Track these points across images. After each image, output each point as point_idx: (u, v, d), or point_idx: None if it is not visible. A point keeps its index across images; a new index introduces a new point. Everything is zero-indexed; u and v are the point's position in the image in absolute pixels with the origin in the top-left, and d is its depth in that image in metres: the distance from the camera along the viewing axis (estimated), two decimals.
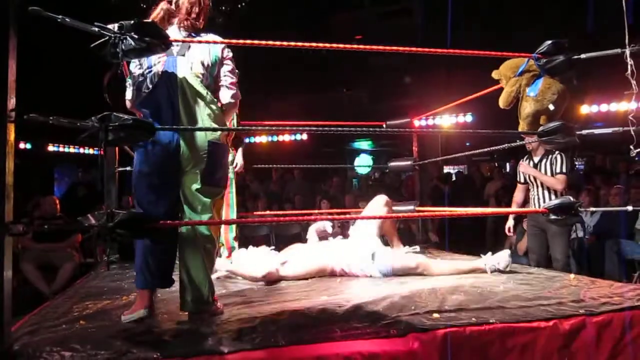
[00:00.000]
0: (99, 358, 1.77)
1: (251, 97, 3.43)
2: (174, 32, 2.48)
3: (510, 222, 5.10)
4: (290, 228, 6.73)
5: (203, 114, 2.45)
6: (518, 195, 5.16)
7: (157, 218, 2.28)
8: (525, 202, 4.73)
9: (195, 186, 2.45)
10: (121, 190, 5.68)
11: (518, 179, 5.16)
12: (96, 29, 2.00)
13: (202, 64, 2.49)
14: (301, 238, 7.32)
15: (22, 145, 9.97)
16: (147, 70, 2.45)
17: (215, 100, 2.52)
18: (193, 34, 2.54)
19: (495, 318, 2.19)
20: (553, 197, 4.23)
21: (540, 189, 4.64)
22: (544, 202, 4.40)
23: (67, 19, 1.94)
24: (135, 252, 2.49)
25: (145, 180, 2.43)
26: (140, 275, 2.45)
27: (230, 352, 1.84)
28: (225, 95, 2.55)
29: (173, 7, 2.56)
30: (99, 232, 1.90)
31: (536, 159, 5.15)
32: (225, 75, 2.57)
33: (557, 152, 4.96)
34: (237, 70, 2.62)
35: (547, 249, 4.42)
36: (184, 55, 2.49)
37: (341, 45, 2.53)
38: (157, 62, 2.44)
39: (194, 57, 2.49)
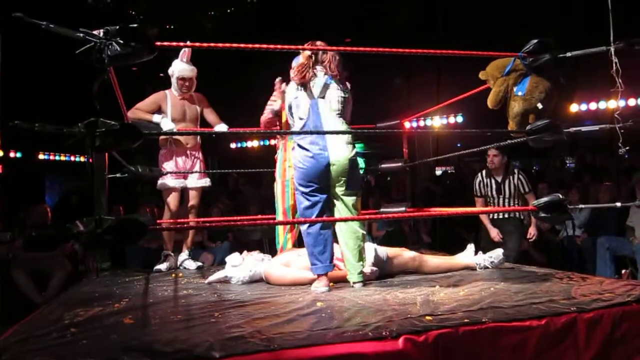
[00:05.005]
0: None
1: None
2: (320, 76, 3.21)
3: (494, 232, 5.18)
4: None
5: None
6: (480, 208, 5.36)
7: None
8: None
9: (342, 191, 3.25)
10: (112, 199, 5.64)
11: (475, 193, 5.32)
12: (81, 34, 1.99)
13: (338, 101, 3.25)
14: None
15: (12, 155, 9.89)
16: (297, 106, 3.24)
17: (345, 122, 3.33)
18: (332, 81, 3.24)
19: (487, 317, 2.20)
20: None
21: (502, 203, 4.99)
22: (507, 214, 5.15)
23: (51, 25, 1.93)
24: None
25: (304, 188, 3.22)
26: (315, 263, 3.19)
27: (222, 357, 1.83)
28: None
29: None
30: (88, 239, 1.88)
31: (498, 179, 5.23)
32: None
33: (518, 172, 5.17)
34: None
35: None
36: (323, 97, 3.23)
37: (328, 48, 2.54)
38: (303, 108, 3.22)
39: (331, 98, 3.24)
